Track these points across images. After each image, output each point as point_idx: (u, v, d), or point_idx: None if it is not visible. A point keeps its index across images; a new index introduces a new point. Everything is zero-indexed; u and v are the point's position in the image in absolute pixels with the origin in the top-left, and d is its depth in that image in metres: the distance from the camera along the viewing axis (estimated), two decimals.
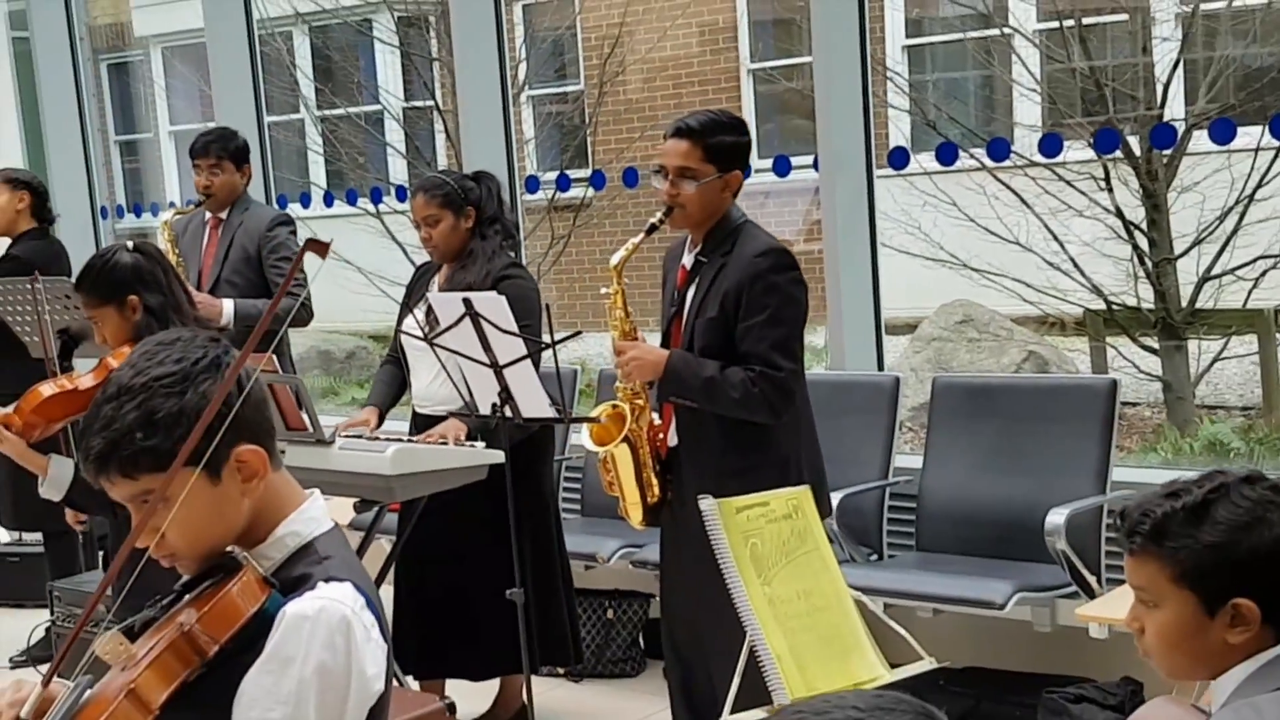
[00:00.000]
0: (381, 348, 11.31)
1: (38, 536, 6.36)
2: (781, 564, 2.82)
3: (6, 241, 5.76)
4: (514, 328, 3.82)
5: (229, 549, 1.85)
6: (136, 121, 14.14)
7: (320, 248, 1.86)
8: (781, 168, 5.55)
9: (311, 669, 1.75)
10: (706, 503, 2.86)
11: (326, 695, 1.76)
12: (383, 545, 4.95)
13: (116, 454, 1.79)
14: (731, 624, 3.02)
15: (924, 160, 6.93)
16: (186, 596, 1.84)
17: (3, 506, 5.90)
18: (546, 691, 4.76)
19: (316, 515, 1.92)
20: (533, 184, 6.70)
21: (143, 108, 14.05)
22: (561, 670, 5.11)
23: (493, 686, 4.74)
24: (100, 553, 5.76)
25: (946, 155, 5.18)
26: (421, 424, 4.51)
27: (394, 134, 12.11)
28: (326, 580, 1.82)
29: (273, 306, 2.01)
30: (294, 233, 5.35)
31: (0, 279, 5.30)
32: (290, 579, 1.83)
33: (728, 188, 3.59)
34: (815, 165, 5.13)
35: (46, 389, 3.47)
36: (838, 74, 4.98)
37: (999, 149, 5.72)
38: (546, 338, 3.79)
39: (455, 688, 4.52)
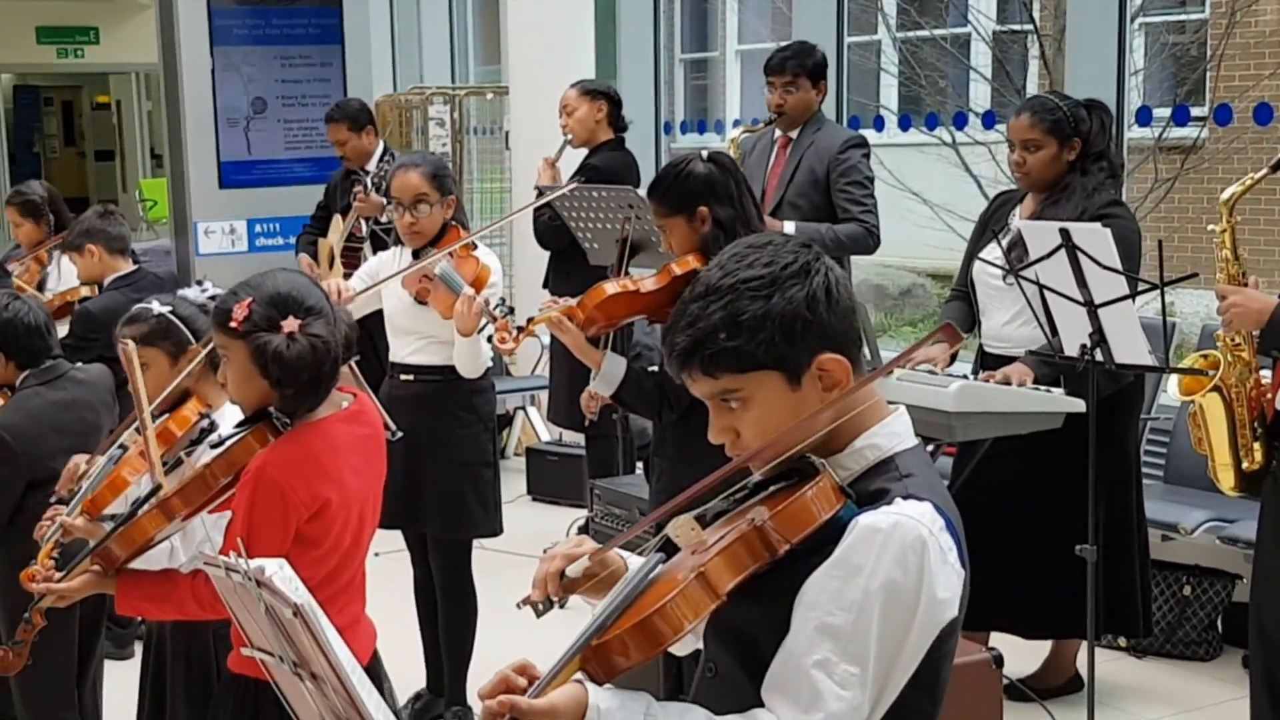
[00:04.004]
0: (940, 286, 11.34)
1: (575, 439, 6.97)
2: None
3: (583, 151, 6.25)
4: (1117, 264, 3.78)
5: (805, 455, 1.98)
6: (705, 39, 14.78)
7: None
8: None
9: (879, 583, 1.86)
10: None
11: (891, 611, 1.87)
12: None
13: (700, 352, 1.94)
14: None
15: None
16: (759, 494, 1.99)
17: (557, 404, 6.54)
18: (1105, 663, 4.73)
19: (899, 431, 2.02)
20: (1144, 116, 6.45)
21: (713, 25, 14.67)
22: (1123, 643, 5.07)
23: (1040, 648, 4.76)
24: (640, 461, 6.20)
25: None
26: (991, 364, 4.55)
27: (979, 58, 12.06)
28: (905, 498, 1.91)
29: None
30: (866, 156, 5.45)
31: (590, 184, 5.53)
32: (867, 492, 1.94)
33: None
34: None
35: (610, 287, 3.77)
36: None
37: None
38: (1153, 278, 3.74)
39: (999, 643, 4.56)
